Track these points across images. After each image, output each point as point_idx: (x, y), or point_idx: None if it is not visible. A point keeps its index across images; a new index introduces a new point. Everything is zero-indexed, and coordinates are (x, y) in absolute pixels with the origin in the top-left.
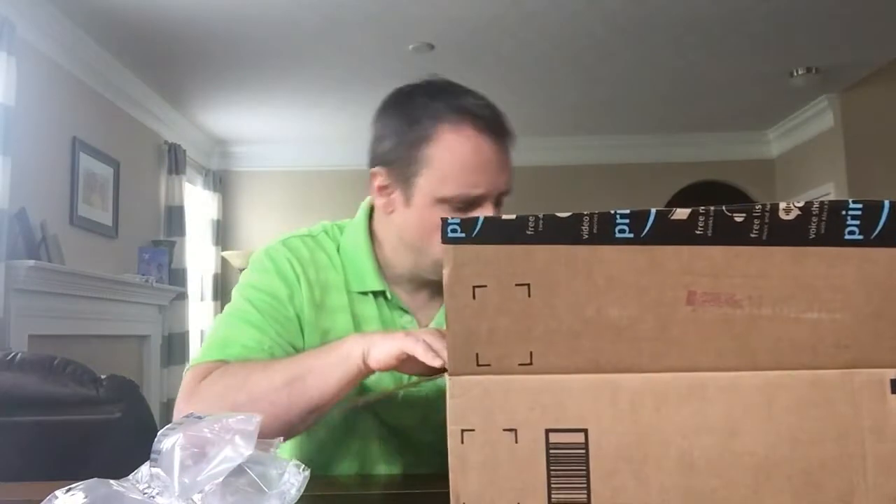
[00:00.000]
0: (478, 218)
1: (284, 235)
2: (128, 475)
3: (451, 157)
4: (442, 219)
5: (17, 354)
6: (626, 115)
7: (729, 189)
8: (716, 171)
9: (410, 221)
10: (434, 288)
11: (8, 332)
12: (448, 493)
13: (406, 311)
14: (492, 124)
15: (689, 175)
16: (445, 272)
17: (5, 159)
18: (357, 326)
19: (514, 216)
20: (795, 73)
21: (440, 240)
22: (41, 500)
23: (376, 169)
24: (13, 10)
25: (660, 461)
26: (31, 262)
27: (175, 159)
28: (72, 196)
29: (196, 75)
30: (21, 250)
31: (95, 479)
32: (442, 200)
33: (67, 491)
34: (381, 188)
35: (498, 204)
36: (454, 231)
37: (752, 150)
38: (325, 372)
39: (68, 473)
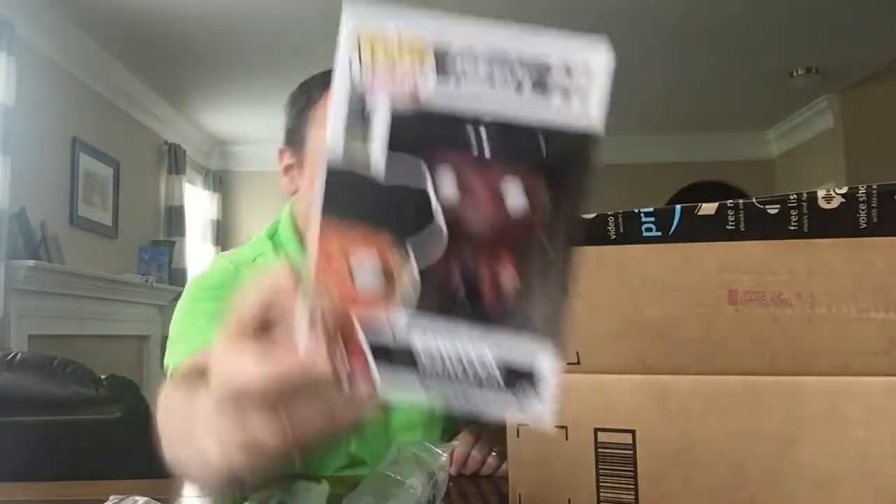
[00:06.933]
0: None
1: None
2: (128, 475)
3: None
4: None
5: (17, 354)
6: (627, 114)
7: (729, 189)
8: (716, 171)
9: (306, 198)
10: None
11: (8, 332)
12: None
13: None
14: None
15: (689, 175)
16: None
17: (5, 159)
18: None
19: None
20: (795, 73)
21: None
22: (41, 500)
23: (281, 147)
24: (13, 10)
25: (710, 467)
26: (31, 263)
27: (175, 159)
28: (72, 196)
29: (196, 75)
30: (21, 250)
31: None
32: None
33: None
34: (287, 168)
35: None
36: None
37: (752, 150)
38: None
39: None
